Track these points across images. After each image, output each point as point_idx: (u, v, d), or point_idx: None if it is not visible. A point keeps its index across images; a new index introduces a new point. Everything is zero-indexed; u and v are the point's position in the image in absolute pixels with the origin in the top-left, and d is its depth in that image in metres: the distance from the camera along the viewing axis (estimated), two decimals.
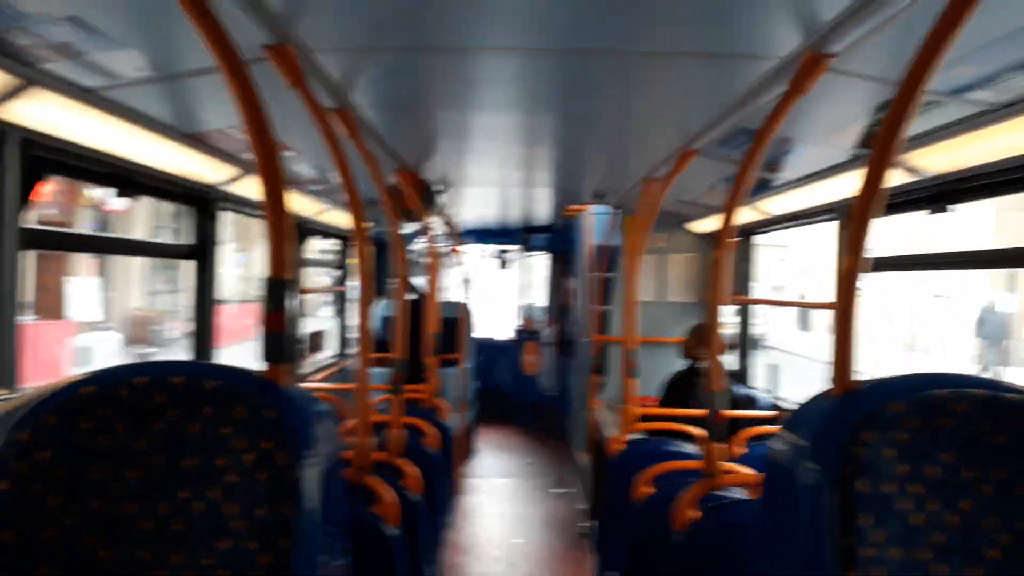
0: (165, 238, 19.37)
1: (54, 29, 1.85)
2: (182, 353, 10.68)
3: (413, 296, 7.63)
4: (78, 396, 1.46)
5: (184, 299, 21.06)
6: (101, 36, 1.94)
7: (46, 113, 2.30)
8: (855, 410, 1.44)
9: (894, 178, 2.89)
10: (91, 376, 1.50)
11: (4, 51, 1.93)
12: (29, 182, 2.38)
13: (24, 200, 2.36)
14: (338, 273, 7.38)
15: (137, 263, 19.33)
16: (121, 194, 3.02)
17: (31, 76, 2.08)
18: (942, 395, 1.43)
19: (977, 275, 20.05)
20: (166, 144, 2.96)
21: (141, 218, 19.19)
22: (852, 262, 1.54)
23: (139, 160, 2.99)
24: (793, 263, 27.73)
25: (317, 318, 8.71)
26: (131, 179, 3.04)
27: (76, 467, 1.43)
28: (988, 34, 1.73)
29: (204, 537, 1.43)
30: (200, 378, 1.49)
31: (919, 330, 23.09)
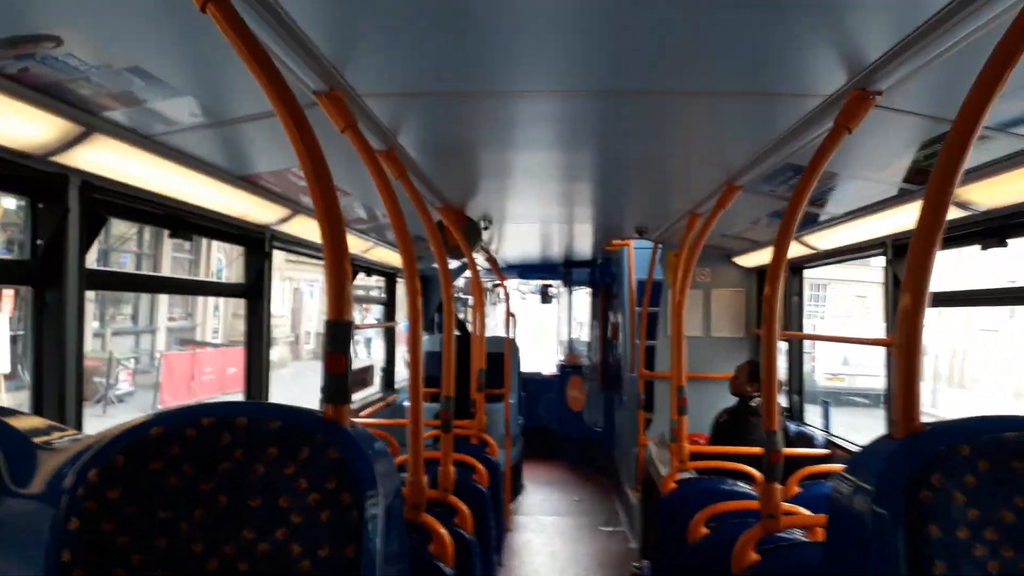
0: (121, 261, 18.28)
1: (115, 79, 1.93)
2: (135, 413, 10.33)
3: (459, 332, 7.67)
4: (147, 436, 1.48)
5: (152, 341, 19.26)
6: (160, 84, 2.01)
7: (106, 158, 2.39)
8: (921, 453, 1.40)
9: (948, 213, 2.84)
10: (159, 416, 1.53)
11: (68, 100, 2.01)
12: (90, 225, 2.46)
13: (86, 242, 2.44)
14: (385, 309, 7.45)
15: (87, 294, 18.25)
16: (175, 235, 3.10)
17: (92, 123, 2.17)
18: (1012, 437, 1.39)
19: None
20: (219, 186, 3.04)
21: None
22: (912, 297, 1.51)
23: (194, 201, 3.07)
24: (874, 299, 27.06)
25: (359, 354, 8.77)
26: (186, 220, 3.12)
27: (144, 507, 1.45)
28: None
29: None
30: (264, 419, 1.51)
31: (966, 365, 22.43)
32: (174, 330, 21.25)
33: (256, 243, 3.87)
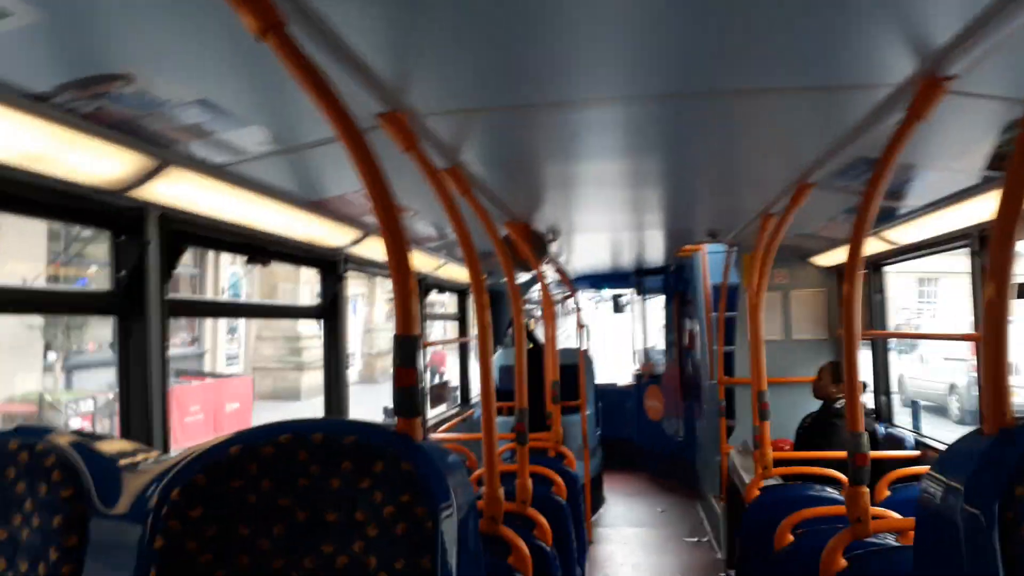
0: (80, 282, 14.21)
1: (184, 112, 1.99)
2: None
3: (531, 345, 7.67)
4: (226, 455, 1.52)
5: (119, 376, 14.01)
6: (227, 116, 2.07)
7: (181, 190, 2.47)
8: (1014, 448, 1.33)
9: None
10: (237, 436, 1.57)
11: (141, 135, 2.09)
12: (169, 254, 2.55)
13: (166, 272, 2.53)
14: (457, 325, 7.51)
15: (37, 320, 12.62)
16: (251, 260, 3.19)
17: (166, 156, 2.25)
18: None
19: None
20: (292, 212, 3.11)
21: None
22: (996, 288, 1.44)
23: (268, 229, 3.15)
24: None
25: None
26: (262, 247, 3.21)
27: (225, 524, 1.48)
28: None
29: None
30: (338, 434, 1.53)
31: None
32: (173, 359, 16.99)
33: (330, 265, 3.96)
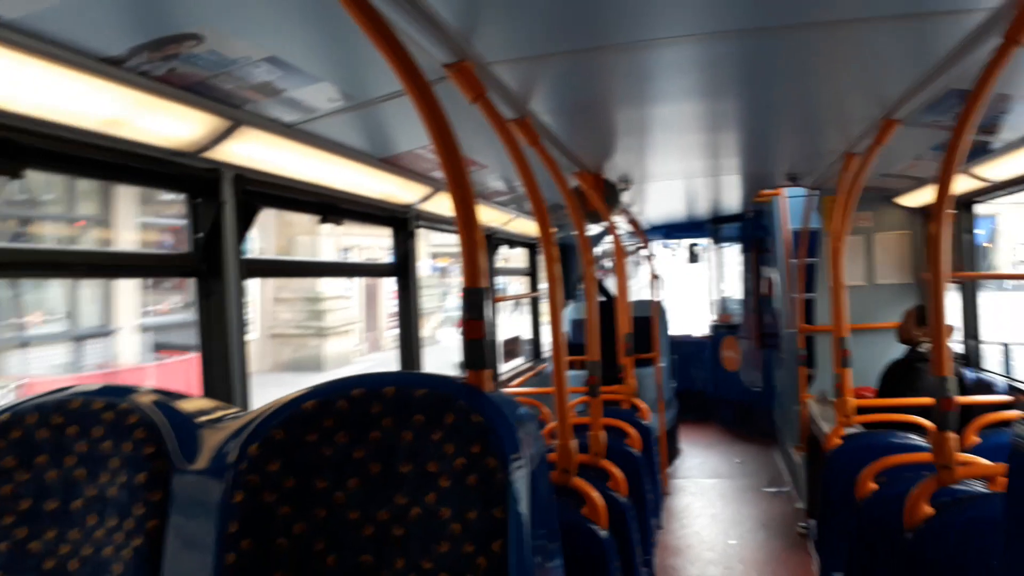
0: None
1: (254, 71, 2.00)
2: None
3: (603, 298, 7.62)
4: (301, 410, 1.55)
5: (106, 347, 11.76)
6: (296, 72, 2.07)
7: (254, 150, 2.50)
8: None
9: None
10: (311, 391, 1.60)
11: (213, 96, 2.10)
12: (245, 215, 2.59)
13: (242, 232, 2.57)
14: (528, 280, 7.50)
15: None
16: (324, 220, 3.22)
17: (238, 117, 2.26)
18: None
19: None
20: (363, 170, 3.12)
21: None
22: None
23: (339, 187, 3.17)
24: None
25: (512, 324, 8.89)
26: (334, 205, 3.23)
27: (302, 477, 1.52)
28: None
29: (423, 541, 1.48)
30: (409, 387, 1.54)
31: None
32: (160, 328, 13.85)
33: (401, 223, 3.97)
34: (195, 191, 2.46)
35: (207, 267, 2.48)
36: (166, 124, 2.11)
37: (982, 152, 3.69)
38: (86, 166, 2.09)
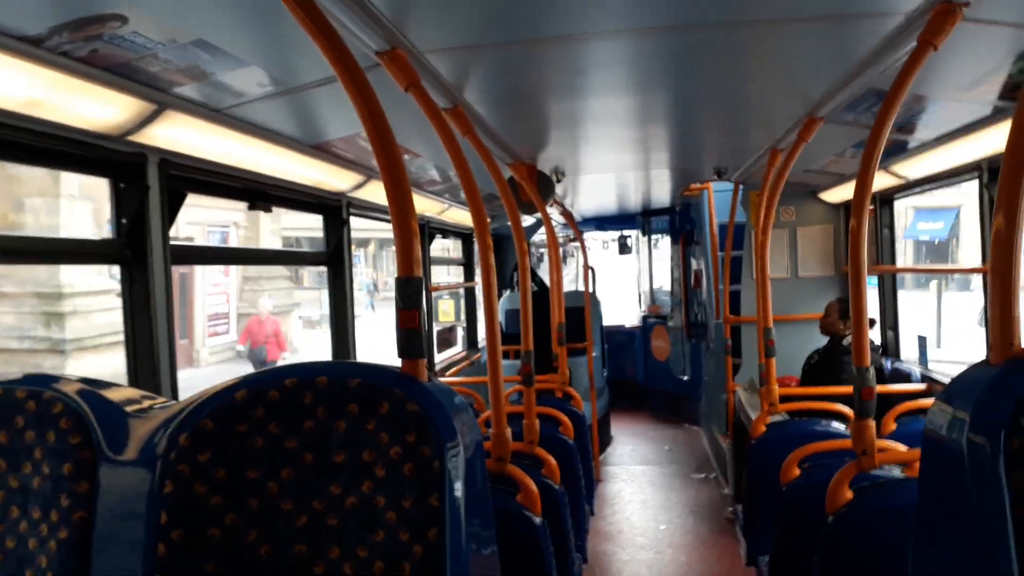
0: None
1: (181, 54, 1.95)
2: None
3: (537, 288, 7.67)
4: (232, 400, 1.53)
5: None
6: (225, 56, 2.03)
7: (181, 135, 2.44)
8: (1020, 378, 1.33)
9: None
10: (242, 380, 1.58)
11: (139, 79, 2.05)
12: (171, 201, 2.53)
13: (168, 218, 2.51)
14: (463, 270, 7.51)
15: None
16: (253, 207, 3.16)
17: (165, 100, 2.21)
18: None
19: None
20: (293, 156, 3.07)
21: None
22: (1006, 221, 1.42)
23: (270, 173, 3.12)
24: None
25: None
26: (263, 192, 3.18)
27: (234, 468, 1.50)
28: None
29: (358, 530, 1.48)
30: (343, 377, 1.54)
31: None
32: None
33: (334, 211, 3.93)
34: (119, 176, 2.40)
35: (132, 254, 2.41)
36: (89, 107, 2.04)
37: (900, 150, 3.84)
38: (4, 148, 2.02)
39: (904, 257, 24.00)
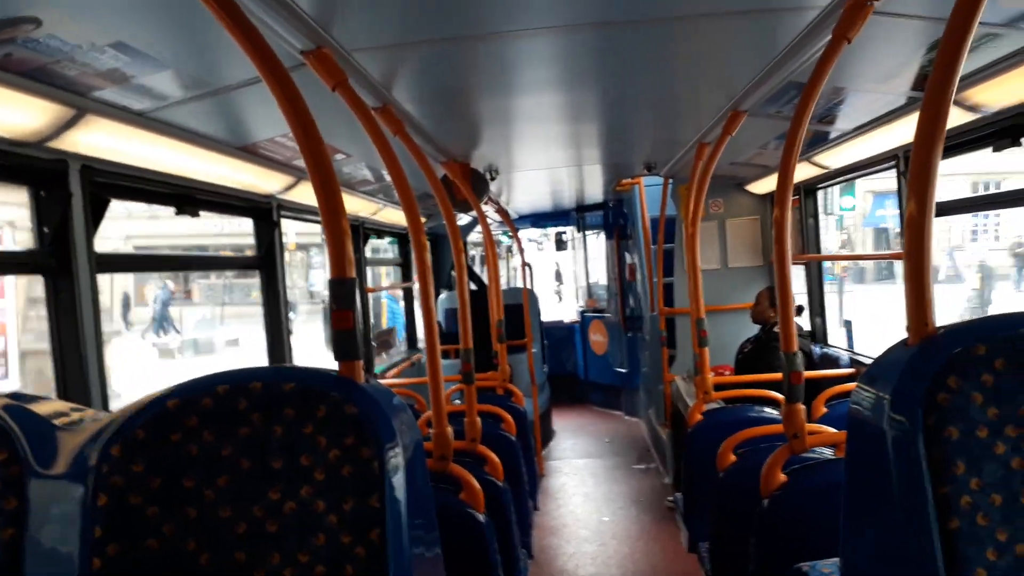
0: None
1: (100, 56, 1.90)
2: None
3: (475, 286, 7.68)
4: (164, 409, 1.50)
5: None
6: (145, 59, 1.98)
7: (103, 140, 2.37)
8: (936, 356, 1.39)
9: (955, 117, 2.78)
10: (175, 389, 1.55)
11: (56, 83, 1.99)
12: (95, 208, 2.46)
13: (92, 225, 2.44)
14: (401, 270, 7.46)
15: None
16: (181, 211, 3.09)
17: (84, 105, 2.15)
18: None
19: None
20: (220, 159, 3.02)
21: None
22: (917, 207, 1.49)
23: (197, 176, 3.06)
24: None
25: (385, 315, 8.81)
26: (190, 196, 3.11)
27: (169, 477, 1.48)
28: None
29: (299, 535, 1.47)
30: (278, 381, 1.52)
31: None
32: None
33: (264, 213, 3.87)
34: (39, 184, 2.32)
35: (56, 263, 2.34)
36: (3, 113, 1.97)
37: (822, 141, 3.96)
38: None
39: (863, 246, 24.66)
